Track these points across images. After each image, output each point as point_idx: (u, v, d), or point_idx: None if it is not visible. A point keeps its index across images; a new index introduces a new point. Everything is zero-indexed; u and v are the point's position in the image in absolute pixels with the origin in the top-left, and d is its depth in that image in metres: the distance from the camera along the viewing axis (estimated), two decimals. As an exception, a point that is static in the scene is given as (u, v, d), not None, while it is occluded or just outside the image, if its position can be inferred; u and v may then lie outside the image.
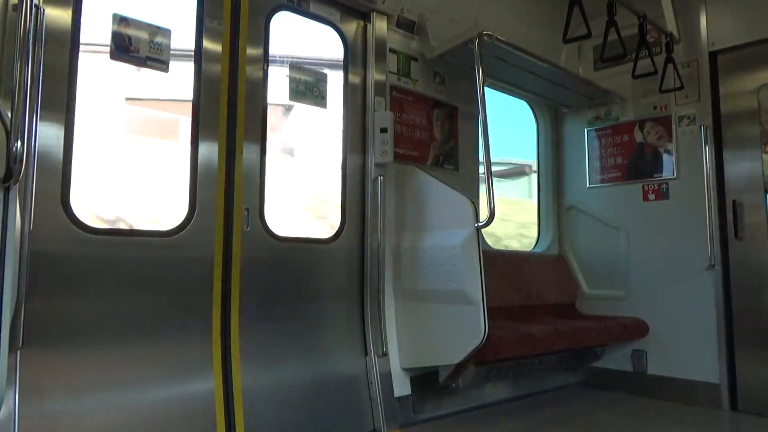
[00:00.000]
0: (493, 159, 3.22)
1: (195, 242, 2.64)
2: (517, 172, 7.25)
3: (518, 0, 4.31)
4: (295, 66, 3.12)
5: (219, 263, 2.70)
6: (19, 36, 2.02)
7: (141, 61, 2.53)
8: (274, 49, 3.02)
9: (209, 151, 2.72)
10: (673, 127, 4.07)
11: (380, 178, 3.29)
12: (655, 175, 4.14)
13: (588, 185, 4.53)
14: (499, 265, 3.98)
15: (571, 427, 3.31)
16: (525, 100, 4.69)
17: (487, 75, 3.62)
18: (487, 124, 3.14)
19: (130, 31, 2.50)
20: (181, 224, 2.62)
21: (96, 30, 2.41)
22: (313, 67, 3.21)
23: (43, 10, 2.20)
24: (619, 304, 4.23)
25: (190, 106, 2.70)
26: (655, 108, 4.19)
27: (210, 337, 2.64)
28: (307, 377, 2.95)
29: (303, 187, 3.37)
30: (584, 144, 4.58)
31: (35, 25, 2.11)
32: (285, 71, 3.07)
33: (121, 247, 2.43)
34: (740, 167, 3.81)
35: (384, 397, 3.11)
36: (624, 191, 4.31)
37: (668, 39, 3.91)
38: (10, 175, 1.94)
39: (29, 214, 2.15)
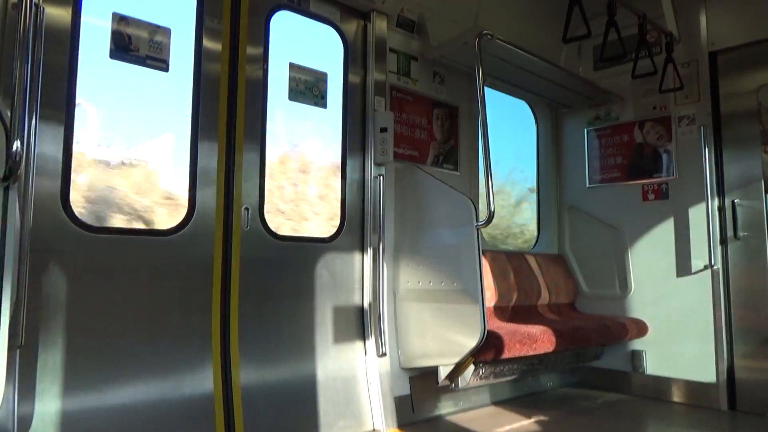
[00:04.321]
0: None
1: (194, 241, 2.64)
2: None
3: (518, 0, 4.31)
4: (295, 65, 3.12)
5: (218, 262, 2.70)
6: (18, 35, 2.02)
7: (141, 61, 2.53)
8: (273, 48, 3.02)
9: (209, 150, 2.72)
10: (673, 127, 4.07)
11: (380, 178, 3.29)
12: (654, 175, 4.14)
13: (588, 185, 4.53)
14: (499, 264, 3.98)
15: (571, 427, 3.31)
16: (525, 100, 4.69)
17: (487, 75, 3.61)
18: (486, 123, 3.14)
19: (130, 30, 2.50)
20: (180, 223, 2.62)
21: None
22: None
23: (43, 8, 2.20)
24: (619, 304, 4.24)
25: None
26: (654, 108, 4.19)
27: (209, 336, 2.65)
28: (306, 376, 2.95)
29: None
30: (584, 144, 4.58)
31: (35, 24, 2.11)
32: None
33: (120, 245, 2.43)
34: (740, 167, 3.81)
35: (383, 397, 3.11)
36: (624, 191, 4.31)
37: (668, 39, 3.91)
38: (9, 174, 1.95)
39: (29, 213, 2.15)
